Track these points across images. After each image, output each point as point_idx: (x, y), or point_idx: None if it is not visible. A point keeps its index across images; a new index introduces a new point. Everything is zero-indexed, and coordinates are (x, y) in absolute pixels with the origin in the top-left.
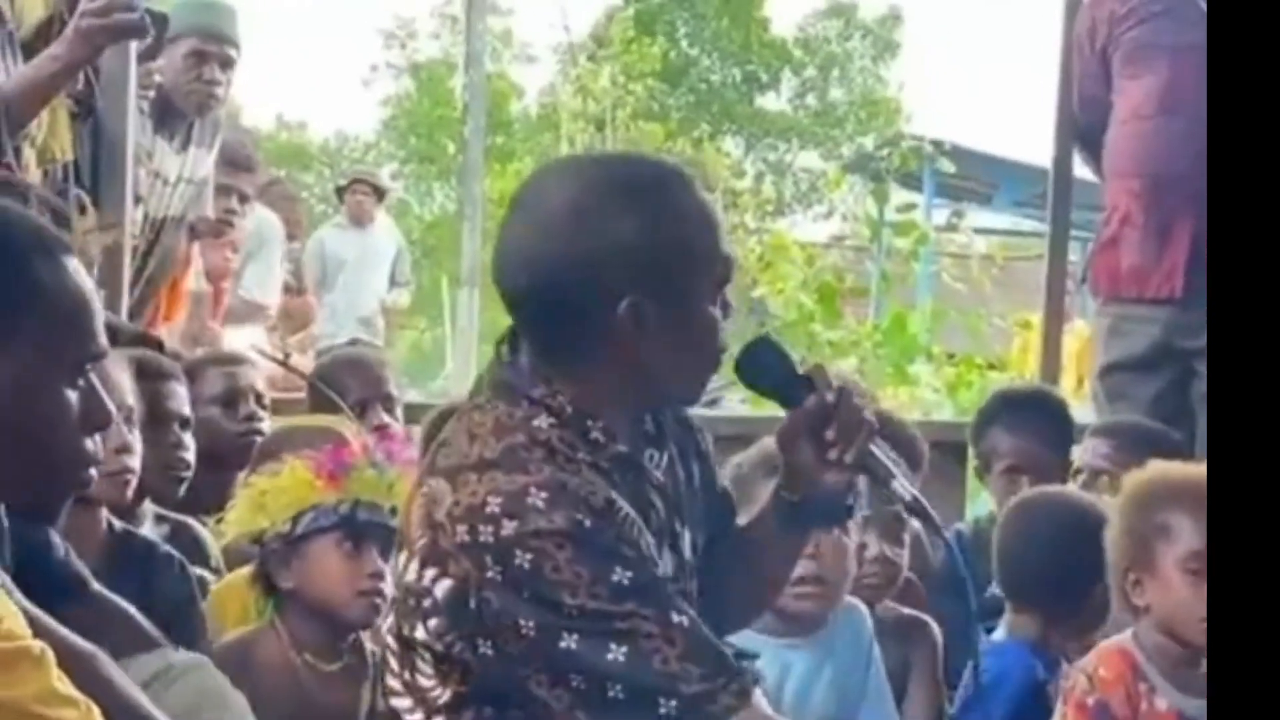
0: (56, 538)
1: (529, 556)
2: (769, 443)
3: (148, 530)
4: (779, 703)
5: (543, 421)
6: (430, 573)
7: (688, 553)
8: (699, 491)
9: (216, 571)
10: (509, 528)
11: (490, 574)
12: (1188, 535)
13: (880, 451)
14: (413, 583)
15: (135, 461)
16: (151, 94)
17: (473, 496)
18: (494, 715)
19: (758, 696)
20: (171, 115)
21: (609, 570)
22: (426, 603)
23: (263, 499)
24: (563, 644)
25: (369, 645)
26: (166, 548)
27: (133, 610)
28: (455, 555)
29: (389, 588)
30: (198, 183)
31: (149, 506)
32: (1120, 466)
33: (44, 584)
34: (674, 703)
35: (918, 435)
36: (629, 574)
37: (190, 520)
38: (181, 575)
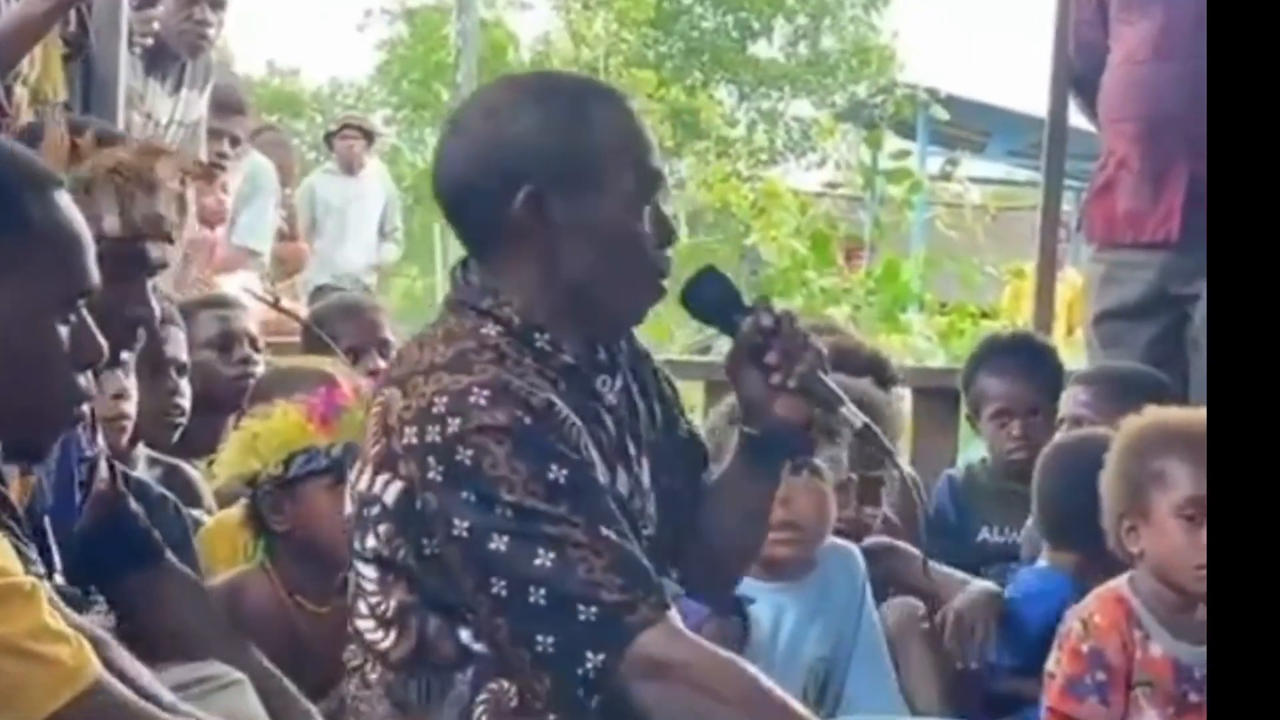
0: (134, 503)
1: (469, 453)
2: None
3: (141, 473)
4: (773, 646)
5: (491, 329)
6: (381, 479)
7: (646, 480)
8: (660, 430)
9: (209, 514)
10: (453, 425)
11: (432, 474)
12: (1183, 482)
13: (828, 379)
14: (364, 491)
15: (132, 407)
16: (149, 41)
17: (421, 399)
18: (442, 627)
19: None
20: (163, 57)
21: (546, 468)
22: (375, 509)
23: (254, 442)
24: (491, 545)
25: None
26: (160, 489)
27: (202, 588)
28: (404, 457)
29: None
30: (190, 125)
31: (142, 449)
32: (1100, 414)
33: (117, 547)
34: (594, 609)
35: (886, 357)
36: (564, 473)
37: (183, 463)
38: (175, 517)
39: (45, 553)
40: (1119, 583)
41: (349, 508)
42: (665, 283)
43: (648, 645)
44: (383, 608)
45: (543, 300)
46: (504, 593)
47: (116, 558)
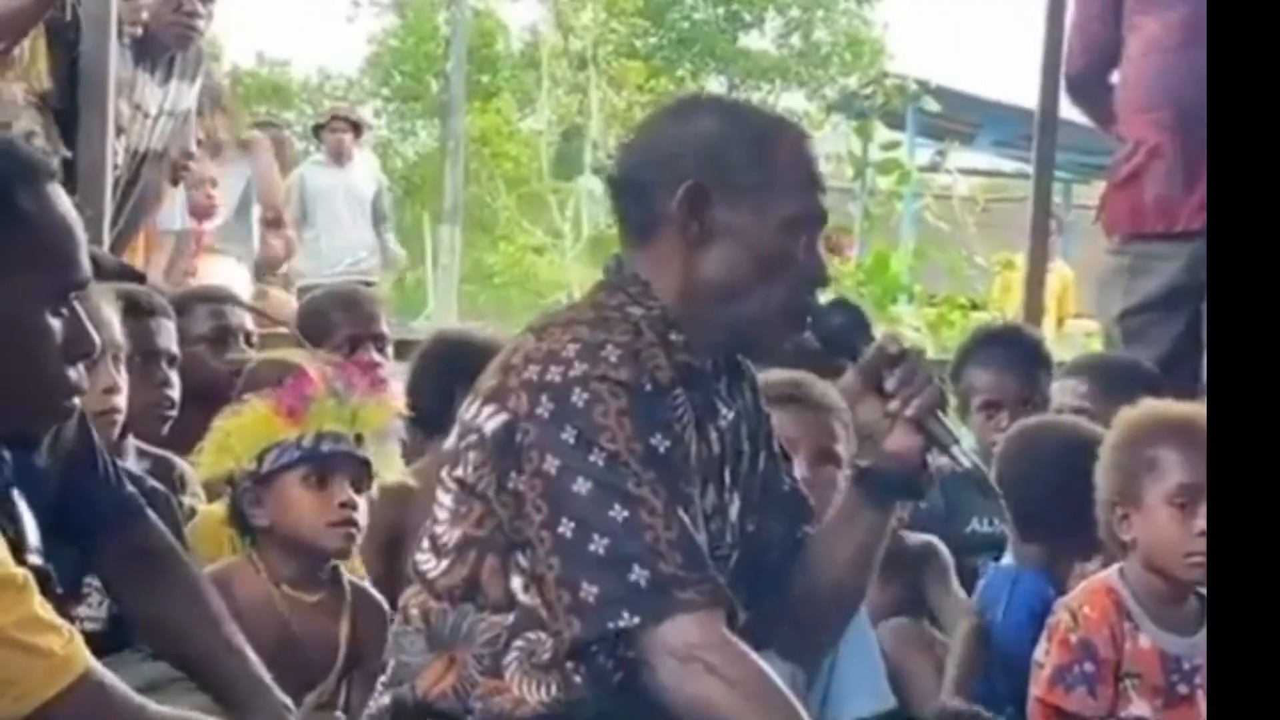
0: (104, 466)
1: (585, 395)
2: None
3: (131, 465)
4: None
5: (636, 310)
6: (488, 409)
7: (733, 514)
8: (761, 479)
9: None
10: (577, 369)
11: (541, 409)
12: (1175, 470)
13: (944, 419)
14: (469, 420)
15: (122, 400)
16: (139, 31)
17: (554, 343)
18: (496, 569)
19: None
20: (152, 48)
21: (651, 434)
22: (472, 438)
23: (228, 440)
24: (575, 486)
25: (346, 576)
26: (152, 482)
27: (180, 549)
28: (516, 391)
29: (362, 516)
30: (179, 115)
31: (132, 441)
32: (1098, 406)
33: (91, 514)
34: (646, 574)
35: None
36: (666, 444)
37: (173, 456)
38: (165, 509)
39: (15, 523)
40: (1109, 574)
41: (362, 518)
42: (807, 323)
43: (687, 628)
44: (445, 538)
45: (683, 299)
46: (569, 534)
47: (93, 517)
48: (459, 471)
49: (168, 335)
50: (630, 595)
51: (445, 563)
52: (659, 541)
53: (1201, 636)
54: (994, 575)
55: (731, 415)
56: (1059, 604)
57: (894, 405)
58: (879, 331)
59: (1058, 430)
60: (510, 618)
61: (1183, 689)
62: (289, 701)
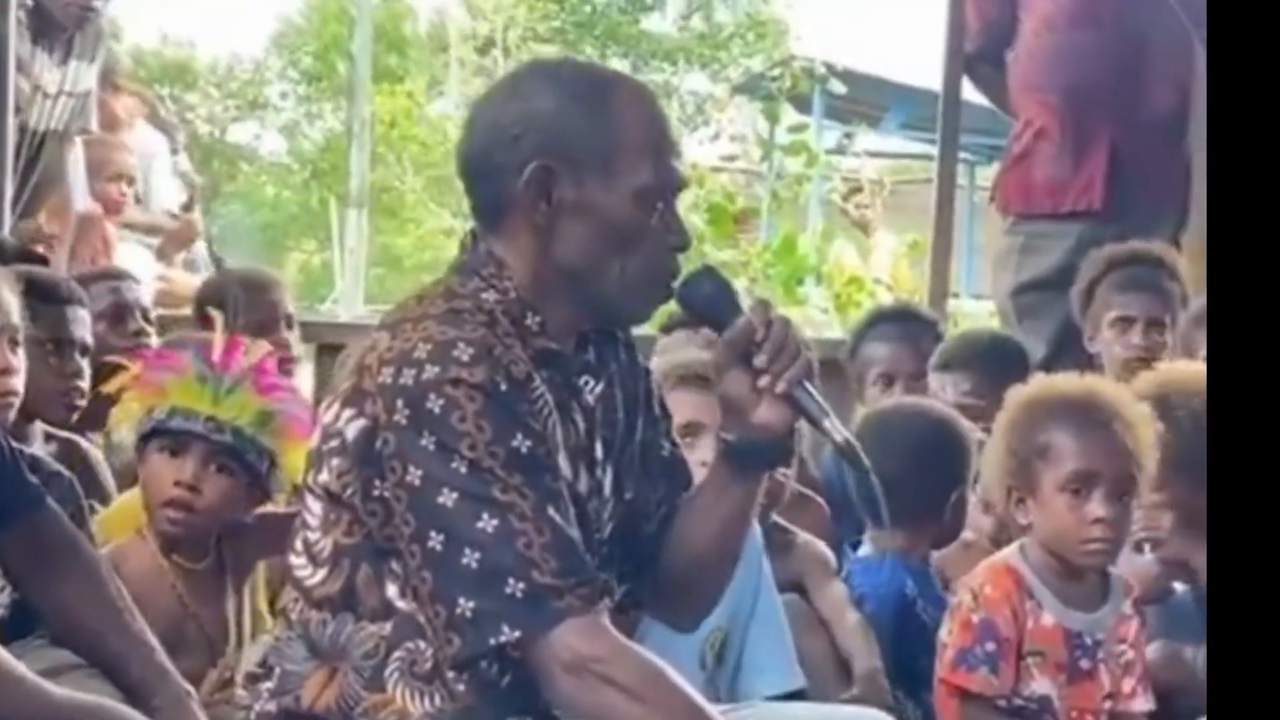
0: (4, 455)
1: (441, 401)
2: (681, 355)
3: (37, 449)
4: None
5: (490, 295)
6: (347, 413)
7: (607, 488)
8: (639, 446)
9: (107, 489)
10: (430, 372)
11: (398, 416)
12: (1068, 456)
13: (814, 391)
14: (329, 423)
15: (18, 383)
16: (30, 2)
17: (405, 342)
18: (371, 577)
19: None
20: (50, 27)
21: (511, 435)
22: (334, 443)
23: (117, 415)
24: (440, 499)
25: None
26: (54, 466)
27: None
28: (373, 396)
29: (206, 499)
30: (80, 96)
31: (38, 425)
32: (986, 400)
33: None
34: (522, 586)
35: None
36: (528, 444)
37: (79, 439)
38: (69, 492)
39: None
40: (1010, 552)
41: (206, 501)
42: (672, 289)
43: (569, 637)
44: (319, 545)
45: (539, 280)
46: (439, 548)
47: None
48: (324, 477)
49: (81, 324)
50: (507, 609)
51: (322, 572)
52: (531, 548)
53: (1104, 612)
54: (855, 566)
55: (601, 387)
56: (960, 583)
57: (764, 381)
58: (747, 302)
59: (908, 412)
60: (388, 626)
61: (1085, 664)
62: (189, 687)
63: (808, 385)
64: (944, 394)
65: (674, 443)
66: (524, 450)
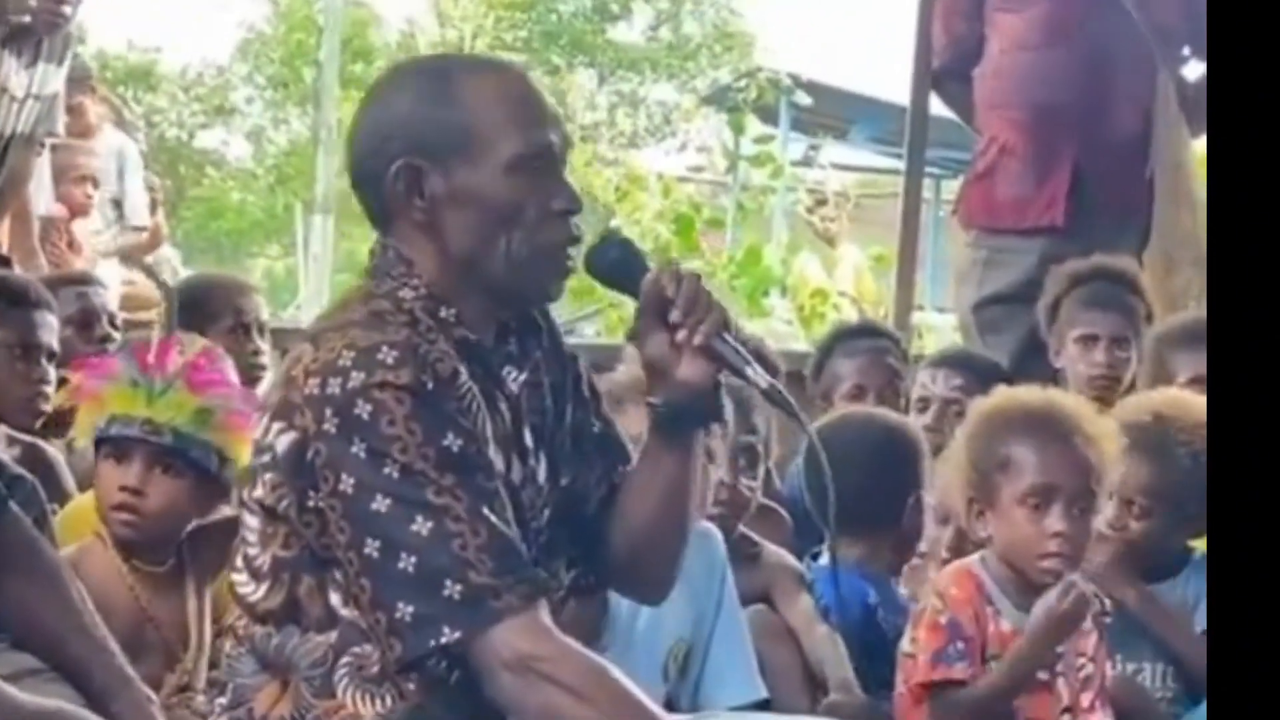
0: None
1: (369, 408)
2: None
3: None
4: (633, 626)
5: (407, 293)
6: (276, 426)
7: (541, 475)
8: (569, 431)
9: (69, 494)
10: (356, 379)
11: (327, 425)
12: (1027, 470)
13: (733, 340)
14: (260, 438)
15: None
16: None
17: (330, 352)
18: (313, 588)
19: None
20: (18, 30)
21: (441, 434)
22: (266, 458)
23: (81, 424)
24: (373, 505)
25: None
26: (15, 469)
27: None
28: (301, 407)
29: (152, 502)
30: (47, 99)
31: (1, 429)
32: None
33: None
34: (459, 588)
35: (767, 348)
36: (459, 443)
37: (42, 443)
38: (32, 496)
39: None
40: (971, 560)
41: (153, 504)
42: (570, 256)
43: (510, 635)
44: (259, 560)
45: (445, 274)
46: (375, 554)
47: None
48: (258, 493)
49: (49, 329)
50: (446, 611)
51: (264, 587)
52: (467, 549)
53: None
54: (819, 579)
55: (525, 375)
56: (925, 588)
57: (681, 335)
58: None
59: (860, 422)
60: (334, 635)
61: (1042, 675)
62: (150, 692)
63: (726, 336)
64: (934, 387)
65: (606, 420)
66: (455, 449)
